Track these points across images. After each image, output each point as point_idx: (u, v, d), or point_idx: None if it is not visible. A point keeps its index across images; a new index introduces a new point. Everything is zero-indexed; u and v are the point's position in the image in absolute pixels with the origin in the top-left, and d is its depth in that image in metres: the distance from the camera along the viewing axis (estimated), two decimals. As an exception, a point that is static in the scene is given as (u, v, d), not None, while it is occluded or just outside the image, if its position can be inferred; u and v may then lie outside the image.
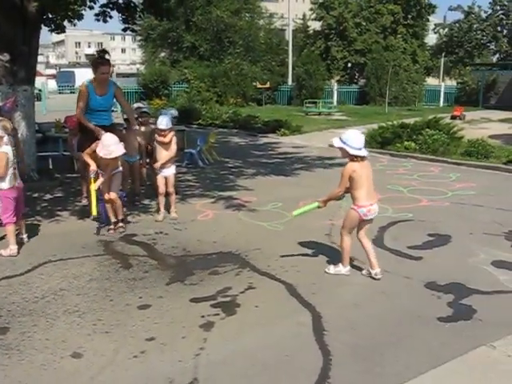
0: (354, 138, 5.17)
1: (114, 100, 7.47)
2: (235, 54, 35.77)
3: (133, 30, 16.75)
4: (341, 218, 7.18)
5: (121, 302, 4.75)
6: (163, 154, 7.21)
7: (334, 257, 5.71)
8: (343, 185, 5.27)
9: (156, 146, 7.31)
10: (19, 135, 7.63)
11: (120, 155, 6.55)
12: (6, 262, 5.69)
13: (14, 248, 5.87)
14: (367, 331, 4.28)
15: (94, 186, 6.43)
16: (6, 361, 3.80)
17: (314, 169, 11.38)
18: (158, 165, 7.19)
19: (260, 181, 10.09)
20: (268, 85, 31.59)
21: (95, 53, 7.51)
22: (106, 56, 7.21)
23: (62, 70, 62.39)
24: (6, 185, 5.85)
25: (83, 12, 11.30)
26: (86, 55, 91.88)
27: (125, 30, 16.89)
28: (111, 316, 4.48)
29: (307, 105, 26.65)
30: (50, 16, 10.92)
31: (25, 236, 6.31)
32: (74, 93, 47.09)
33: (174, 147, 7.24)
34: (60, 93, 47.01)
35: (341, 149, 5.23)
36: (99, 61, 7.11)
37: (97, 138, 6.67)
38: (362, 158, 5.19)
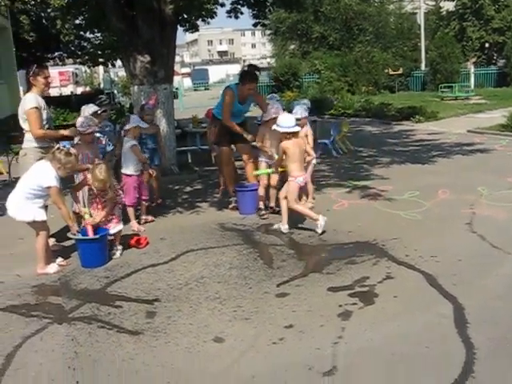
0: (283, 120, 6.40)
1: None
2: (365, 41, 35.20)
3: (263, 25, 17.04)
4: (482, 206, 6.89)
5: (259, 289, 4.85)
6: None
7: (475, 247, 5.43)
8: (280, 158, 6.50)
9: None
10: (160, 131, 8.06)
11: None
12: (151, 250, 6.03)
13: (135, 224, 6.81)
14: (514, 325, 4.02)
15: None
16: (154, 343, 4.02)
17: (451, 156, 10.87)
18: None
19: (395, 169, 9.82)
20: (400, 71, 30.69)
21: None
22: (256, 72, 7.42)
23: (196, 68, 65.08)
24: (129, 171, 6.80)
25: (215, 10, 11.64)
26: (218, 52, 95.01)
27: (255, 24, 17.21)
28: (250, 303, 4.59)
29: (442, 89, 25.51)
30: (185, 16, 11.42)
31: (148, 217, 7.16)
32: (208, 89, 49.04)
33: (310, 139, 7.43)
34: (195, 90, 49.08)
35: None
36: (248, 77, 7.29)
37: (236, 135, 7.13)
38: (294, 135, 6.33)
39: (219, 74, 63.31)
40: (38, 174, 5.38)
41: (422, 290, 4.68)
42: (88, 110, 7.02)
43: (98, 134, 6.57)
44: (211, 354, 3.84)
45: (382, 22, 36.84)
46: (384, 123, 17.44)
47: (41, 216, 5.42)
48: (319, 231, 6.20)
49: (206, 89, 48.44)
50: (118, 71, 51.82)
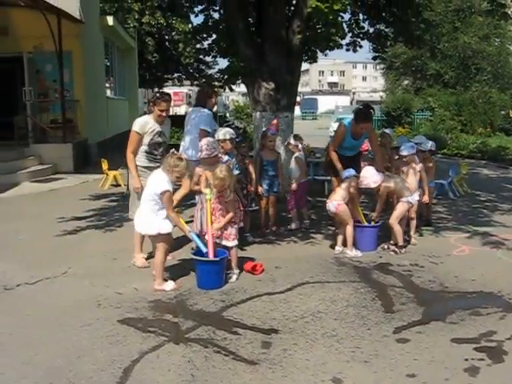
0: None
1: None
2: (483, 81, 34.01)
3: (382, 59, 16.89)
4: None
5: (378, 332, 4.65)
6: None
7: None
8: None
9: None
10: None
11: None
12: (266, 278, 5.98)
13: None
14: None
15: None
16: (270, 375, 3.93)
17: None
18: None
19: (517, 217, 9.27)
20: (520, 113, 29.32)
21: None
22: (371, 112, 7.55)
23: (305, 97, 65.60)
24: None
25: (341, 42, 11.67)
26: (329, 83, 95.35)
27: (375, 58, 17.11)
28: (369, 345, 4.40)
29: None
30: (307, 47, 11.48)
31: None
32: (315, 119, 49.32)
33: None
34: (303, 119, 49.46)
35: None
36: (362, 117, 7.34)
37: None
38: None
39: (328, 104, 63.46)
40: (154, 182, 5.55)
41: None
42: (224, 133, 6.94)
43: (226, 157, 6.62)
44: (330, 395, 3.70)
45: (501, 62, 35.54)
46: (501, 167, 16.66)
47: (166, 228, 5.52)
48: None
49: (313, 118, 48.70)
50: (230, 95, 53.27)
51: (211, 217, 5.79)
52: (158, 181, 5.48)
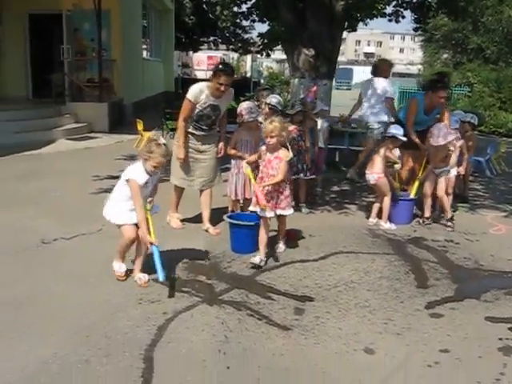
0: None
1: None
2: (527, 58, 33.03)
3: (424, 30, 16.48)
4: None
5: (411, 305, 4.62)
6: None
7: None
8: None
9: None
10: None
11: None
12: (300, 247, 5.99)
13: None
14: None
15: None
16: (303, 341, 3.94)
17: None
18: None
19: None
20: None
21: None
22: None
23: (341, 66, 64.54)
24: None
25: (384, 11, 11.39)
26: (365, 53, 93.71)
27: (416, 29, 16.69)
28: (402, 318, 4.38)
29: None
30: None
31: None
32: (349, 89, 48.53)
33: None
34: (337, 89, 48.71)
35: None
36: (440, 85, 7.24)
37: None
38: None
39: (363, 75, 62.29)
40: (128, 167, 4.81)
41: None
42: (272, 99, 6.91)
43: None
44: (362, 364, 3.69)
45: (547, 39, 34.39)
46: (542, 147, 16.25)
47: (118, 219, 4.81)
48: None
49: (348, 89, 48.00)
50: (263, 61, 52.75)
51: (254, 178, 5.49)
52: (130, 167, 4.75)
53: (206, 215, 6.34)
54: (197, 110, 6.02)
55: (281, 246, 5.79)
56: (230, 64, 6.90)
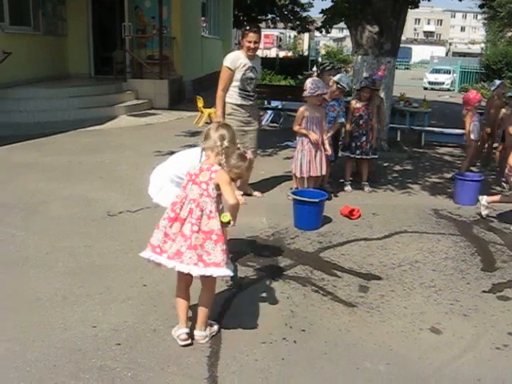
0: None
1: None
2: None
3: (490, 7, 15.89)
4: None
5: (477, 287, 4.55)
6: None
7: None
8: None
9: None
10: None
11: None
12: (363, 224, 5.97)
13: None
14: None
15: None
16: (368, 318, 3.95)
17: None
18: None
19: None
20: None
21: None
22: None
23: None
24: None
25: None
26: (425, 32, 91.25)
27: (482, 6, 16.12)
28: (468, 299, 4.32)
29: None
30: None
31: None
32: (408, 69, 47.47)
33: None
34: (396, 68, 47.77)
35: None
36: None
37: None
38: None
39: (422, 54, 60.82)
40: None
41: None
42: (342, 78, 6.85)
43: (332, 102, 6.53)
44: (429, 344, 3.66)
45: None
46: None
47: None
48: None
49: (406, 68, 46.94)
50: (321, 39, 52.09)
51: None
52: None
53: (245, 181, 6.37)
54: (240, 74, 6.26)
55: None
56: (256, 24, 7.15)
